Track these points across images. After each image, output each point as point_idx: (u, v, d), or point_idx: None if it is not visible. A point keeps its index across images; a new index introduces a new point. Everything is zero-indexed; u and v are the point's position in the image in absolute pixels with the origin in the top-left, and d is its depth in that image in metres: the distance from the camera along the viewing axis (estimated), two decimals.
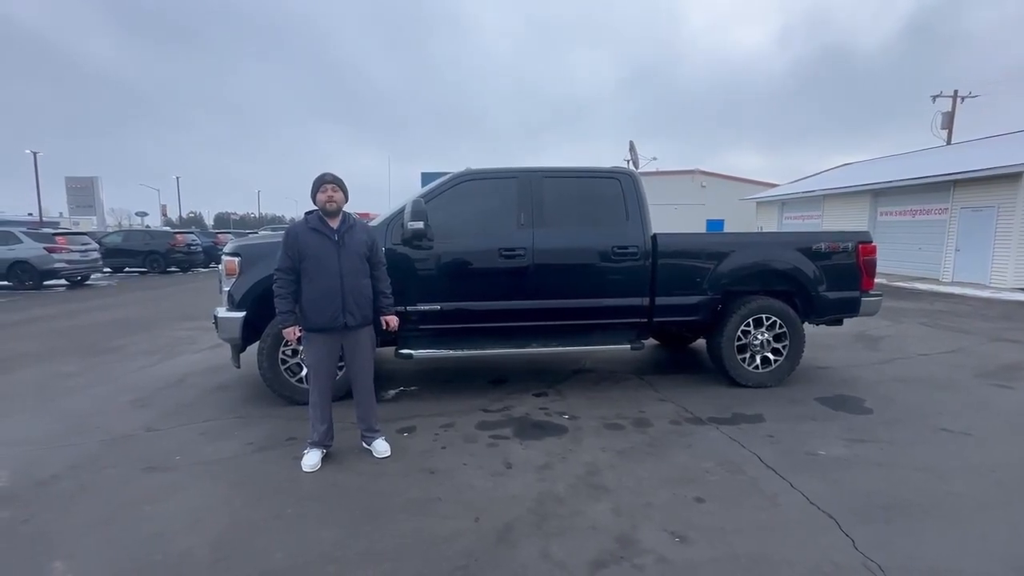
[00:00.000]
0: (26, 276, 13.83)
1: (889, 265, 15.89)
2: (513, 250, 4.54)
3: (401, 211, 4.40)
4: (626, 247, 4.67)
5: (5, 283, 13.93)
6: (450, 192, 4.64)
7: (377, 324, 3.54)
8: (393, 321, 3.58)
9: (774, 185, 29.09)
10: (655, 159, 30.59)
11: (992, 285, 13.16)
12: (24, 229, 15.64)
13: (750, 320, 4.85)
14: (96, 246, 15.93)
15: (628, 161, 24.55)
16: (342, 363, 3.53)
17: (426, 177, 21.02)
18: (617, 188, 4.80)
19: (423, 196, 4.51)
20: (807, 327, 5.11)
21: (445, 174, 4.89)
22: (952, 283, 14.02)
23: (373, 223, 4.51)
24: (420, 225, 4.16)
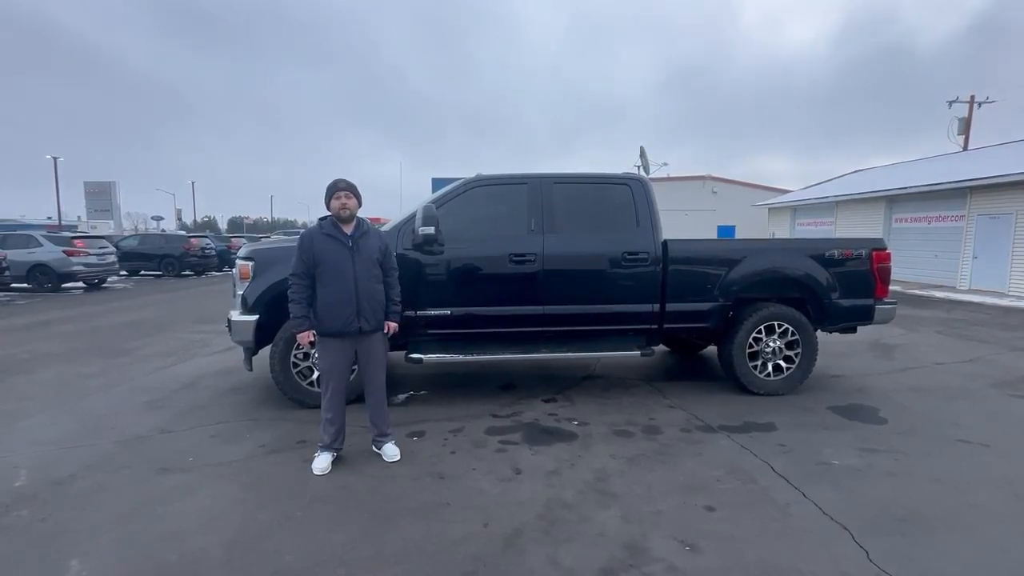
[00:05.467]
0: (45, 278, 14.12)
1: (904, 272, 15.66)
2: (523, 255, 4.55)
3: (412, 216, 4.43)
4: (636, 253, 4.67)
5: (25, 285, 14.23)
6: (461, 197, 4.67)
7: None
8: (392, 326, 3.52)
9: (787, 191, 28.88)
10: (665, 164, 30.53)
11: (1011, 293, 12.91)
12: (44, 232, 15.96)
13: (762, 327, 4.82)
14: (113, 249, 16.21)
15: (638, 167, 24.51)
16: (354, 367, 3.57)
17: (436, 183, 21.12)
18: (627, 194, 4.80)
19: (434, 201, 4.54)
20: (820, 335, 5.05)
21: (456, 179, 4.92)
22: (969, 291, 13.78)
23: (384, 228, 4.55)
24: (431, 230, 4.19)
